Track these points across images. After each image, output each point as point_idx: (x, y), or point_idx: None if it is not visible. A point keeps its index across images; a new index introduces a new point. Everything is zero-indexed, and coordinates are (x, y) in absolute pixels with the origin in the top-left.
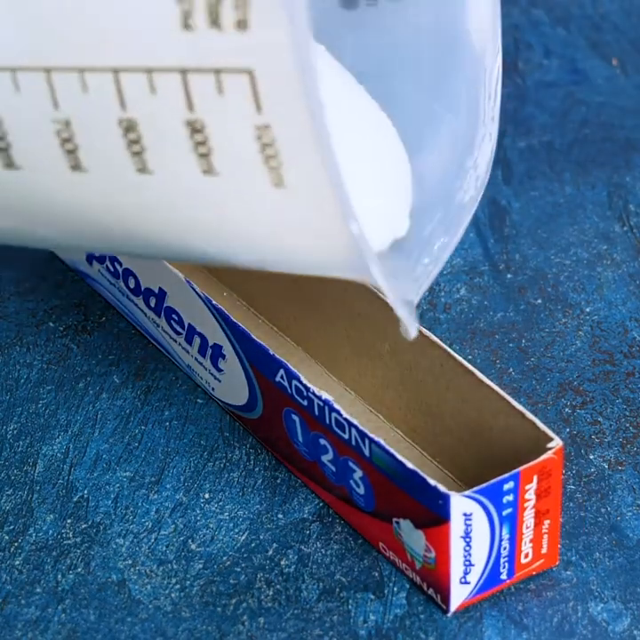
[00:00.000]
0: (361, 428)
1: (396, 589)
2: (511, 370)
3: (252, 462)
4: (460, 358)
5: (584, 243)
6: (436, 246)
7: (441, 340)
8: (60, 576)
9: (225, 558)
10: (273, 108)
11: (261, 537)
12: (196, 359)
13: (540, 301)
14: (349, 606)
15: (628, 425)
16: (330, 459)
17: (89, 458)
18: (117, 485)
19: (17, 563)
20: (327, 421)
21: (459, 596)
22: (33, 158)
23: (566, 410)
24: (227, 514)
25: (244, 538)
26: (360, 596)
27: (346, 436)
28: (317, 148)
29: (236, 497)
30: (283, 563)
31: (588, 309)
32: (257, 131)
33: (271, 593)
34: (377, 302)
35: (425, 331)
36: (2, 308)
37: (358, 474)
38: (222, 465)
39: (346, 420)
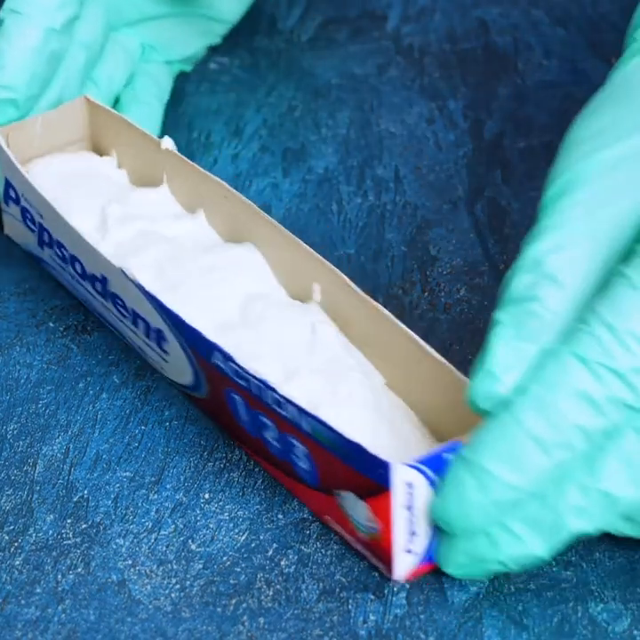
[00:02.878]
0: (299, 403)
1: (395, 589)
2: None
3: (252, 462)
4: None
5: None
6: None
7: (441, 340)
8: (60, 576)
9: (225, 558)
10: None
11: (261, 537)
12: (144, 342)
13: None
14: (349, 606)
15: None
16: (273, 436)
17: (89, 458)
18: (117, 485)
19: (17, 563)
20: (266, 399)
21: (404, 565)
22: None
23: None
24: (227, 514)
25: (244, 538)
26: (360, 596)
27: (285, 413)
28: None
29: (236, 497)
30: (283, 563)
31: None
32: None
33: (271, 593)
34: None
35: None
36: (2, 308)
37: (301, 449)
38: (222, 465)
39: (283, 397)
